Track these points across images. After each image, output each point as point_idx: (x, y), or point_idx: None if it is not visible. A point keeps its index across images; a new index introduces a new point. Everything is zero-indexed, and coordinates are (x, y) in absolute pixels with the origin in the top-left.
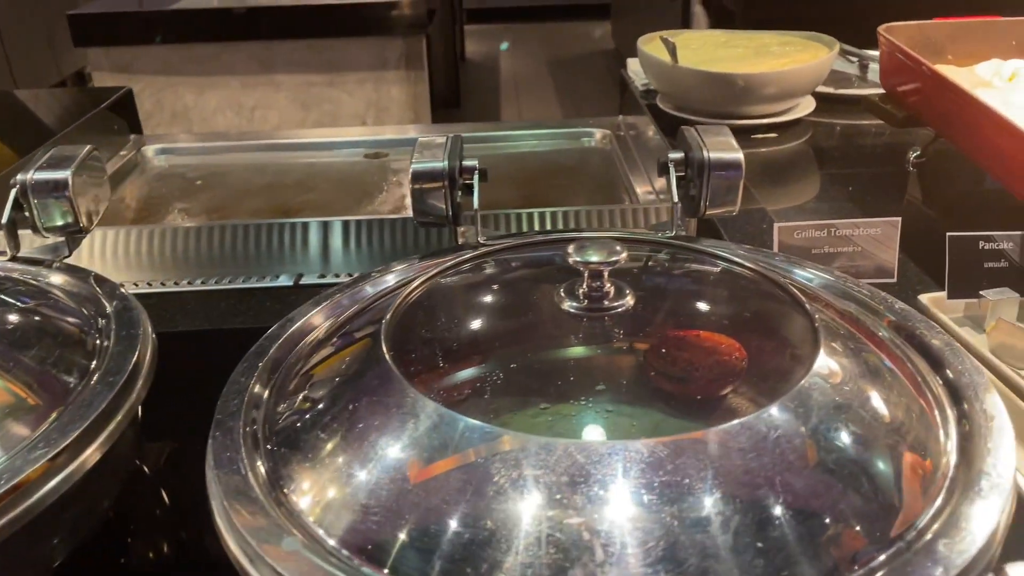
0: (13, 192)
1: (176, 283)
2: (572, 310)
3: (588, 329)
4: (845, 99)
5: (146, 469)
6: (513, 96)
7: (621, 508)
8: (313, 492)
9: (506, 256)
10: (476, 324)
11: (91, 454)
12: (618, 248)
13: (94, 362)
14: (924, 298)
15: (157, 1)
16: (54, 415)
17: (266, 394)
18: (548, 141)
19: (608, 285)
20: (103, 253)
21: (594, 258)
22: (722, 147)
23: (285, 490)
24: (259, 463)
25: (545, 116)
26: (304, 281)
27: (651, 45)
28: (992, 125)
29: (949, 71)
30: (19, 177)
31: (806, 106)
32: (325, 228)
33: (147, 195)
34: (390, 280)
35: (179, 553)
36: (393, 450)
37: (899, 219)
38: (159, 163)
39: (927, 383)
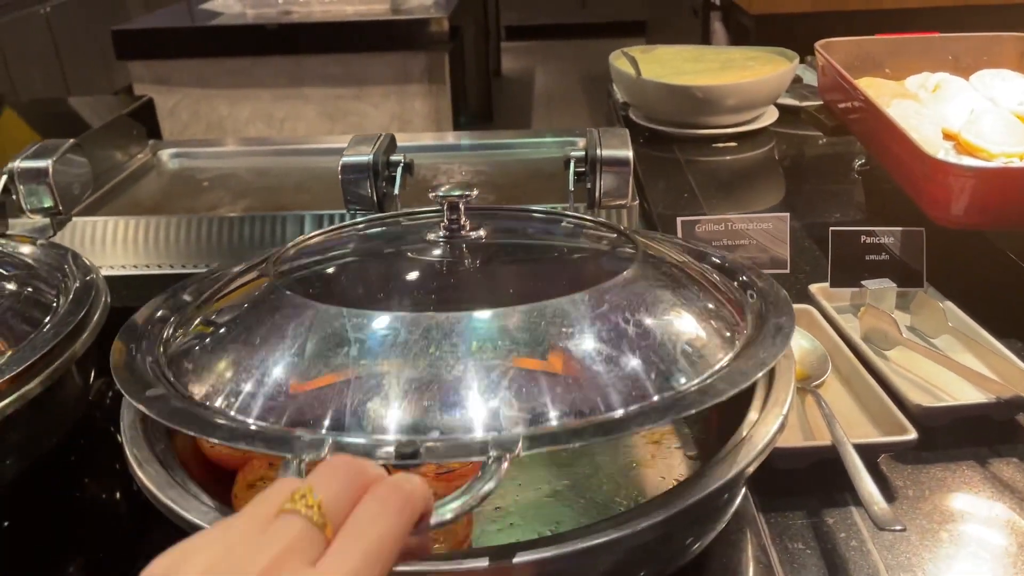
0: (3, 179)
1: (159, 267)
2: (434, 237)
3: (444, 249)
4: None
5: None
6: (545, 111)
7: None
8: (186, 361)
9: (408, 220)
10: (358, 252)
11: (33, 387)
12: (473, 187)
13: (48, 317)
14: (813, 287)
15: (201, 16)
16: (8, 354)
17: (177, 310)
18: (536, 149)
19: (464, 219)
20: (105, 239)
21: (454, 192)
22: (614, 146)
23: (172, 364)
24: (157, 350)
25: None
26: None
27: (621, 60)
28: (891, 136)
29: (876, 83)
30: (8, 165)
31: (769, 116)
32: (301, 221)
33: (157, 194)
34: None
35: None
36: (257, 328)
37: (787, 214)
38: (172, 166)
39: (736, 304)
